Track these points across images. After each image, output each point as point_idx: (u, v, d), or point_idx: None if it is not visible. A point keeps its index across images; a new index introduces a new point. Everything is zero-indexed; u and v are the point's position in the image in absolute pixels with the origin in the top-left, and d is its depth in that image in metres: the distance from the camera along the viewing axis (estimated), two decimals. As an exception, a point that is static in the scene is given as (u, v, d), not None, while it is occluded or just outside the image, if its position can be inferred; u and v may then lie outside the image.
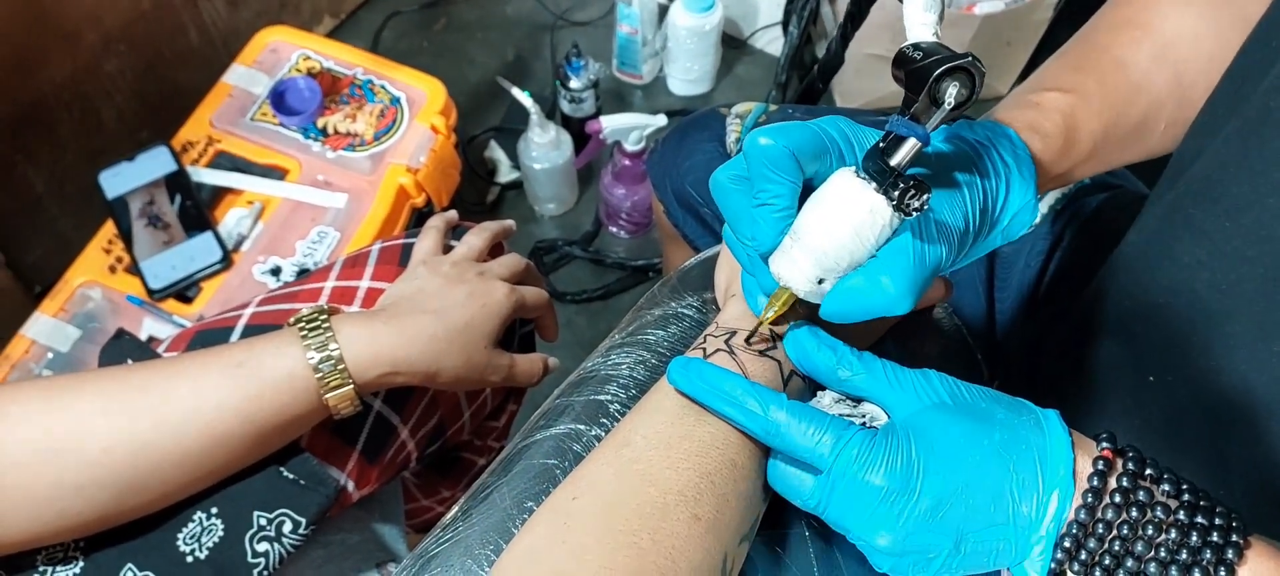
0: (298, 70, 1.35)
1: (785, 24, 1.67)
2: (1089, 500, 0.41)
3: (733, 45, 1.81)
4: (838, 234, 0.44)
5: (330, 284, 0.74)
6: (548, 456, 0.55)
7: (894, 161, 0.42)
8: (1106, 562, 0.41)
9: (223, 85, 1.34)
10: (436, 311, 0.65)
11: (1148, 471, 0.42)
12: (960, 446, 0.42)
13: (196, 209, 1.20)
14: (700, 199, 0.89)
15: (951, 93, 0.42)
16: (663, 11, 1.69)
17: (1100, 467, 0.42)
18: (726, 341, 0.51)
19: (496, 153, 1.66)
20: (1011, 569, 0.43)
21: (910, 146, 0.42)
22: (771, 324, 0.48)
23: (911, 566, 0.43)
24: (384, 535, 0.78)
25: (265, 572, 0.63)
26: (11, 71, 1.25)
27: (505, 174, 1.65)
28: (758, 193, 0.46)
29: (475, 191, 1.63)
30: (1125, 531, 0.41)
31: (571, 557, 0.43)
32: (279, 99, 1.31)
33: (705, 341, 0.52)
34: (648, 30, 1.66)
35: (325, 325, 0.61)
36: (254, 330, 0.70)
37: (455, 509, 0.55)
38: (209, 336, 0.71)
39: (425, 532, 0.76)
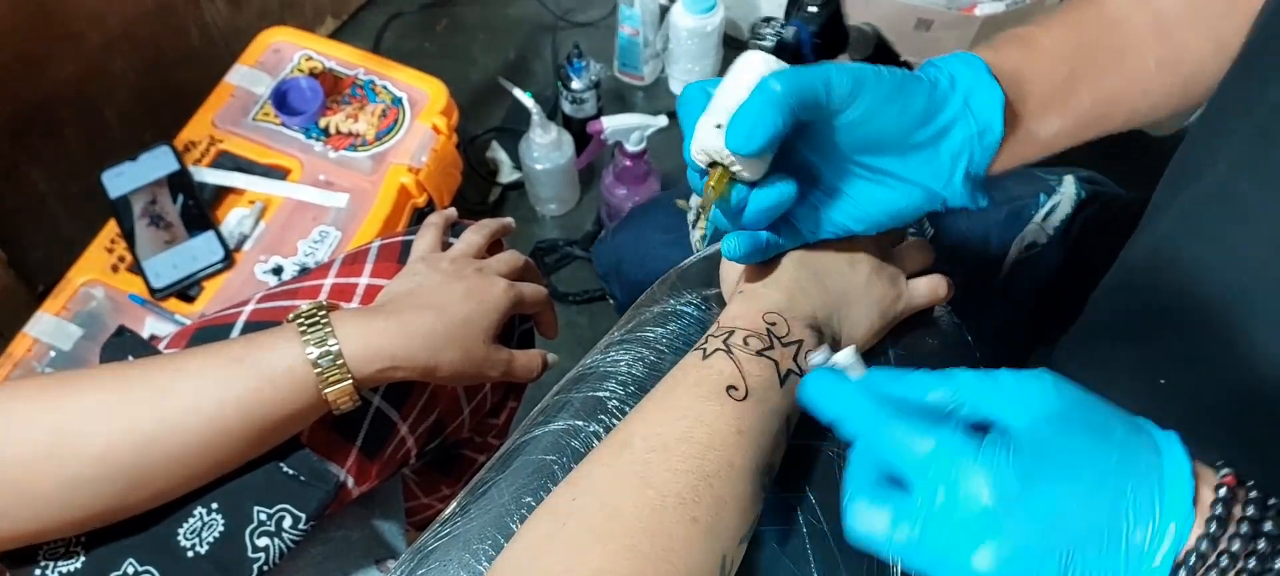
0: (300, 70, 1.35)
1: (786, 21, 1.67)
2: (1212, 530, 0.38)
3: (734, 46, 1.81)
4: (728, 86, 0.50)
5: (330, 281, 0.75)
6: (546, 452, 0.55)
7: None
8: None
9: (225, 85, 1.34)
10: (435, 306, 0.66)
11: (1271, 501, 0.39)
12: (1078, 460, 0.39)
13: (199, 208, 1.20)
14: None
15: None
16: (664, 12, 1.69)
17: (1223, 495, 0.38)
18: (725, 341, 0.52)
19: (498, 153, 1.66)
20: None
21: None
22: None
23: None
24: (384, 532, 0.78)
25: (265, 568, 0.64)
26: (15, 71, 1.25)
27: (507, 174, 1.65)
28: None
29: (477, 191, 1.64)
30: (1253, 565, 0.37)
31: (571, 559, 0.43)
32: (281, 99, 1.31)
33: (706, 341, 0.52)
34: (649, 31, 1.67)
35: (324, 320, 0.61)
36: (254, 326, 0.70)
37: (454, 504, 0.56)
38: (209, 333, 0.71)
39: (425, 530, 0.76)
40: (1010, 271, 0.79)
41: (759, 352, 0.51)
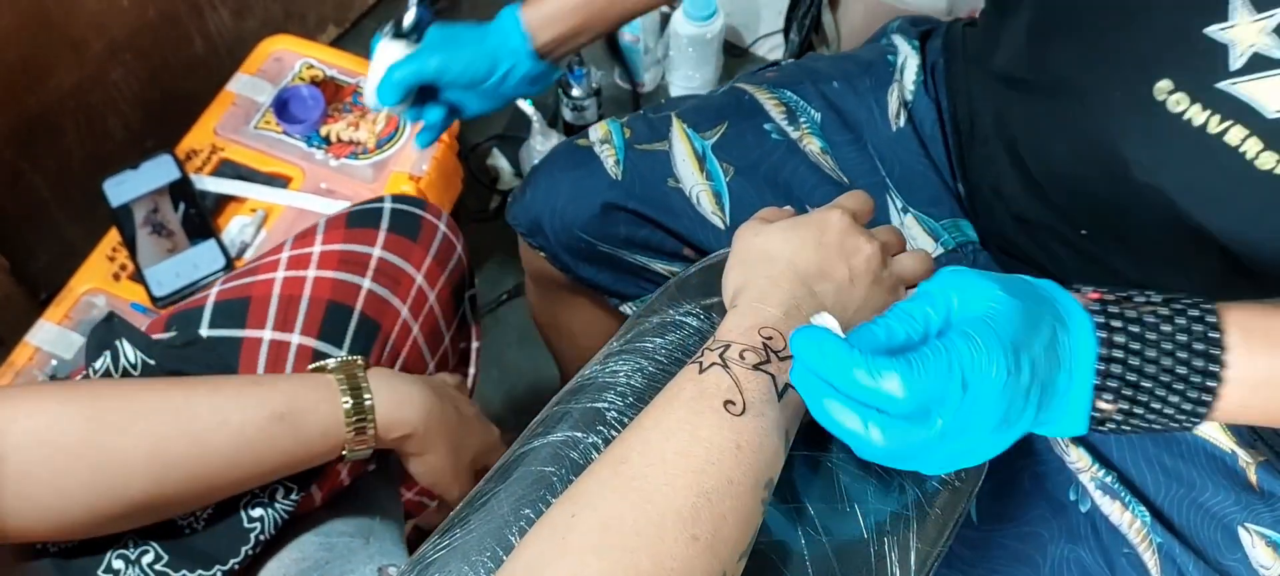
0: (301, 78, 1.36)
1: (786, 31, 1.67)
2: (1103, 336, 0.49)
3: (734, 53, 1.81)
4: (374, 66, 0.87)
5: (286, 254, 0.77)
6: (545, 464, 0.55)
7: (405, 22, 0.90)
8: (1130, 377, 0.48)
9: (226, 94, 1.35)
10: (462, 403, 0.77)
11: (1123, 294, 0.50)
12: (1031, 311, 0.48)
13: (200, 216, 1.20)
14: (596, 237, 0.90)
15: None
16: (665, 20, 1.70)
17: (1097, 307, 0.49)
18: (721, 355, 0.52)
19: (499, 160, 1.66)
20: (1065, 420, 0.50)
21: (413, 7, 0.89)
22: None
23: (1012, 427, 0.47)
24: (384, 539, 0.78)
25: (262, 536, 0.66)
26: (18, 80, 1.26)
27: (507, 182, 1.65)
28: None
29: (477, 199, 1.64)
30: (1136, 347, 0.48)
31: (571, 574, 0.44)
32: (282, 107, 1.31)
33: (702, 355, 0.52)
34: (649, 38, 1.67)
35: (364, 385, 0.67)
36: (222, 304, 0.73)
37: (453, 515, 0.56)
38: (183, 317, 0.73)
39: (416, 516, 0.79)
40: (905, 127, 0.88)
41: (755, 367, 0.51)
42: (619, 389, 0.59)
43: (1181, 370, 0.49)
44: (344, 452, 0.66)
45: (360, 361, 0.70)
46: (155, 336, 0.72)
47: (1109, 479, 0.69)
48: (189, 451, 0.59)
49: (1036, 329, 0.47)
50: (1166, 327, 0.49)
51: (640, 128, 0.91)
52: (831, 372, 0.45)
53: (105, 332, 0.70)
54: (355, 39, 1.83)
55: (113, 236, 1.21)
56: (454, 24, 0.87)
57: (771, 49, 1.80)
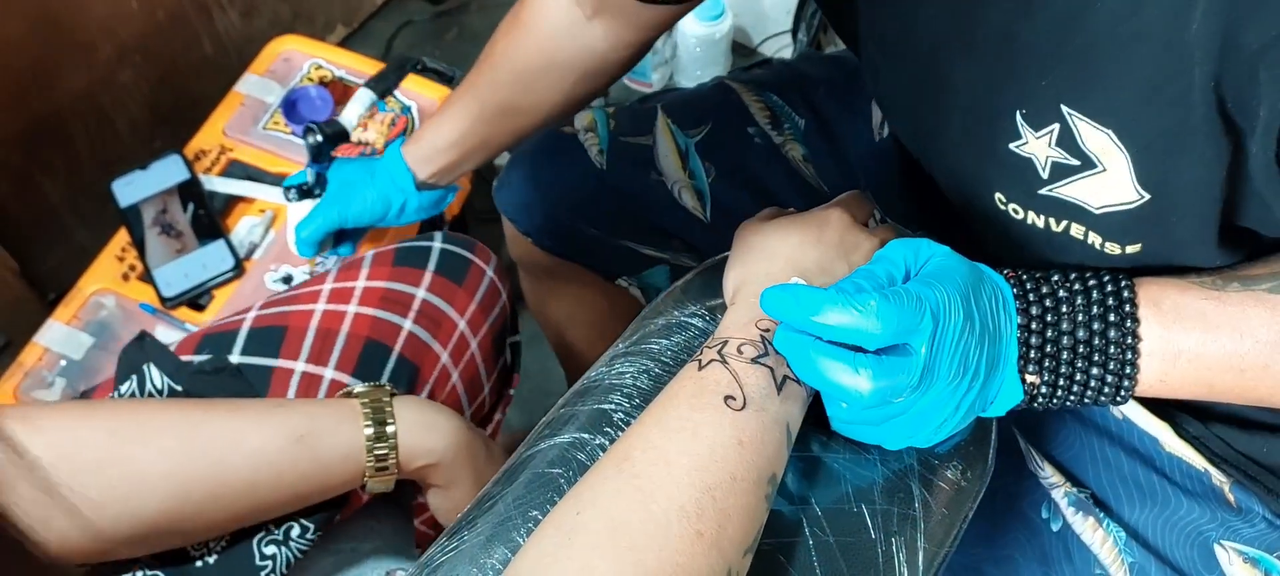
0: (310, 79, 1.36)
1: (794, 31, 1.67)
2: (1020, 306, 0.54)
3: (742, 53, 1.81)
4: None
5: (329, 286, 0.76)
6: (552, 465, 0.55)
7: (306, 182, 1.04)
8: (1048, 349, 0.53)
9: (235, 94, 1.35)
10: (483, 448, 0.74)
11: (1036, 273, 0.55)
12: (976, 282, 0.52)
13: (209, 217, 1.21)
14: (579, 221, 0.92)
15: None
16: (672, 20, 1.70)
17: (1012, 282, 0.54)
18: (720, 351, 0.52)
19: (504, 161, 1.66)
20: (1006, 390, 0.54)
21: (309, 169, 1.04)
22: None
23: (971, 379, 0.51)
24: (393, 543, 0.78)
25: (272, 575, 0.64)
26: (28, 82, 1.27)
27: (515, 182, 1.65)
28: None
29: (484, 199, 1.64)
30: (1052, 318, 0.53)
31: (578, 573, 0.44)
32: (291, 108, 1.32)
33: (702, 352, 0.52)
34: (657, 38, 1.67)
35: (389, 412, 0.65)
36: (257, 331, 0.72)
37: (460, 517, 0.56)
38: (216, 339, 0.72)
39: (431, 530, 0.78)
40: (888, 139, 0.89)
41: (754, 360, 0.51)
42: (625, 390, 0.59)
43: (1098, 342, 0.53)
44: (366, 482, 0.65)
45: (390, 389, 0.68)
46: (184, 357, 0.71)
47: (1082, 495, 0.69)
48: (207, 471, 0.59)
49: (979, 290, 0.52)
50: (1080, 300, 0.53)
51: (625, 119, 0.92)
52: (807, 314, 0.48)
53: (136, 353, 0.70)
54: (364, 39, 1.84)
55: (122, 237, 1.21)
56: (348, 165, 0.97)
57: (779, 49, 1.80)
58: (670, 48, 1.71)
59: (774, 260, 0.57)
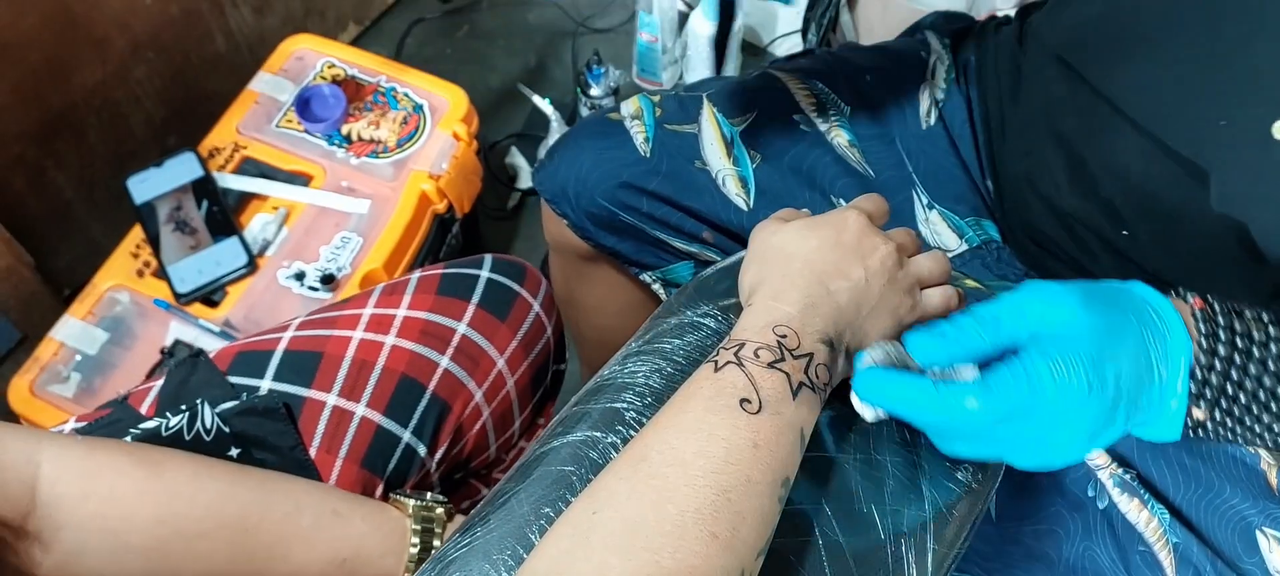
0: (322, 77, 1.37)
1: (804, 31, 1.67)
2: (1204, 345, 0.49)
3: (752, 53, 1.81)
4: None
5: (369, 311, 0.76)
6: (565, 463, 0.56)
7: None
8: (1229, 390, 0.49)
9: (249, 92, 1.36)
10: None
11: (1229, 305, 0.50)
12: (1116, 334, 0.49)
13: (223, 214, 1.22)
14: (618, 207, 0.90)
15: None
16: (683, 19, 1.70)
17: (1201, 315, 0.50)
18: (736, 353, 0.52)
19: (517, 159, 1.67)
20: (1156, 421, 0.50)
21: None
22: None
23: (1100, 438, 0.49)
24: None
25: None
26: (42, 78, 1.27)
27: (526, 180, 1.66)
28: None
29: (496, 197, 1.65)
30: (1238, 360, 0.49)
31: (593, 573, 0.44)
32: (304, 106, 1.32)
33: (718, 354, 0.53)
34: (668, 38, 1.67)
35: (436, 538, 0.65)
36: (291, 355, 0.72)
37: (473, 513, 0.56)
38: (250, 358, 0.72)
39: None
40: (935, 126, 0.89)
41: (770, 365, 0.51)
42: (637, 389, 0.59)
43: None
44: None
45: (442, 510, 0.67)
46: (226, 394, 0.71)
47: (1128, 476, 0.69)
48: (245, 542, 0.60)
49: (1120, 339, 0.48)
50: (1275, 348, 0.50)
51: (671, 107, 0.91)
52: (910, 414, 0.50)
53: (189, 372, 0.70)
54: (376, 37, 1.84)
55: (136, 233, 1.22)
56: None
57: (789, 49, 1.80)
58: (680, 47, 1.72)
59: (791, 261, 0.57)
